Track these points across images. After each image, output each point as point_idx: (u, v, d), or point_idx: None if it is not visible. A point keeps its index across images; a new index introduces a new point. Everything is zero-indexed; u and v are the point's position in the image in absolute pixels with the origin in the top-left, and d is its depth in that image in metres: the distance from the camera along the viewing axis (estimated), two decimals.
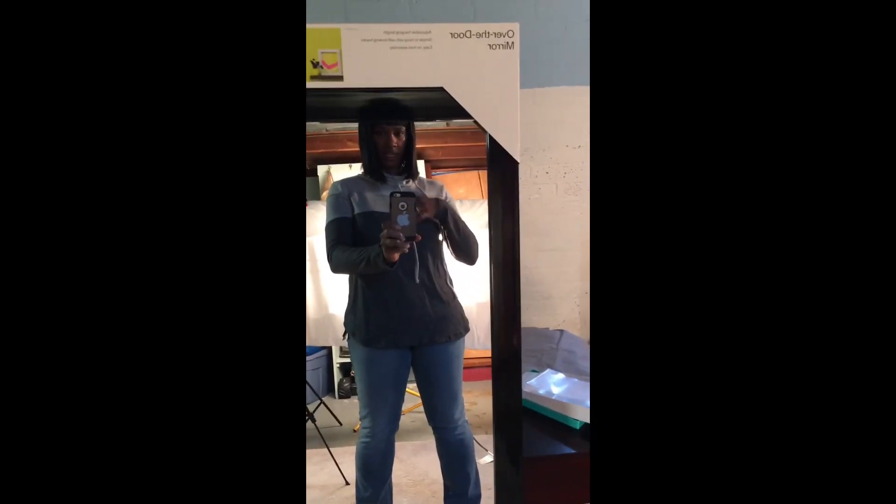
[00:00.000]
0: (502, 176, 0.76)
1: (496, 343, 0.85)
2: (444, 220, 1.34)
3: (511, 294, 0.80)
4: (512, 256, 0.77)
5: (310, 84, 0.71)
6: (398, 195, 1.09)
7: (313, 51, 0.71)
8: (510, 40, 0.73)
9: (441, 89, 0.73)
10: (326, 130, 2.60)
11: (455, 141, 2.69)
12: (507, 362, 0.86)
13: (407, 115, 1.20)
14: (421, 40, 0.71)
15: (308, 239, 2.47)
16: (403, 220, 1.10)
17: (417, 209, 1.21)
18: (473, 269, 1.45)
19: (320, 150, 2.70)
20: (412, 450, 2.20)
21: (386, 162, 1.36)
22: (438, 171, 3.06)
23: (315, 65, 0.71)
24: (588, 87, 1.18)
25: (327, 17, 2.03)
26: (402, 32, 0.70)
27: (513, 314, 0.82)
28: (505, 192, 0.77)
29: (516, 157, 0.74)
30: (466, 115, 0.76)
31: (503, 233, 0.77)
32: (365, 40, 0.71)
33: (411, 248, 1.31)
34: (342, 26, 0.70)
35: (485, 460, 2.04)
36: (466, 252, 1.40)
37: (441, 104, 0.76)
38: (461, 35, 0.72)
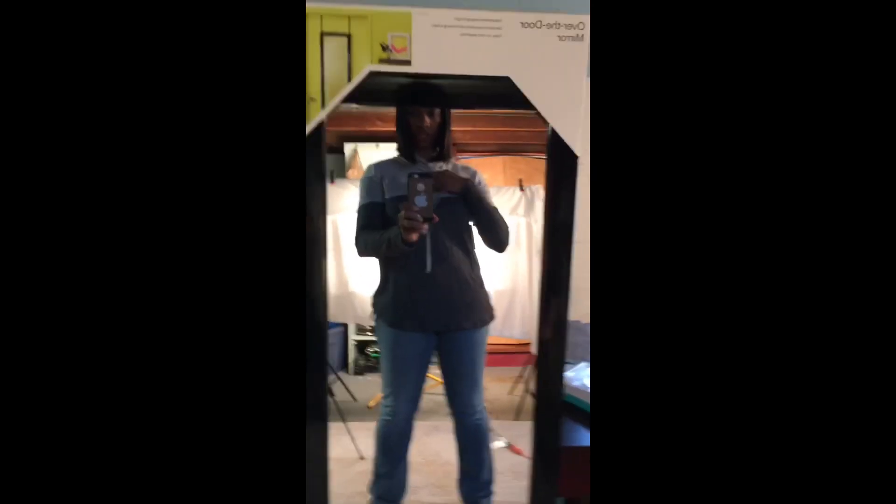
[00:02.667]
0: (561, 168, 0.76)
1: (542, 333, 0.86)
2: (470, 201, 1.33)
3: (562, 287, 0.80)
4: (564, 248, 0.78)
5: (377, 67, 0.71)
6: (416, 176, 1.09)
7: (382, 34, 0.71)
8: (580, 32, 0.72)
9: (506, 78, 0.73)
10: (356, 109, 2.59)
11: (483, 125, 2.67)
12: (551, 353, 0.87)
13: (465, 104, 1.19)
14: (491, 28, 0.70)
15: (331, 217, 2.48)
16: (421, 200, 1.10)
17: (442, 183, 1.22)
18: (492, 256, 1.46)
19: (349, 128, 2.70)
20: (425, 430, 2.23)
21: (419, 143, 1.36)
22: (464, 155, 3.05)
23: (384, 48, 0.70)
24: None
25: None
26: (473, 20, 0.70)
27: (561, 306, 0.82)
28: (562, 186, 0.77)
29: (577, 151, 0.74)
30: (526, 106, 0.76)
31: (557, 224, 0.77)
32: (436, 25, 0.70)
33: (443, 233, 1.31)
34: (414, 10, 0.69)
35: (497, 445, 2.07)
36: (496, 238, 1.39)
37: (500, 92, 0.76)
38: (531, 25, 0.71)
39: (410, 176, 1.10)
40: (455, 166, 1.44)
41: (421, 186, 1.09)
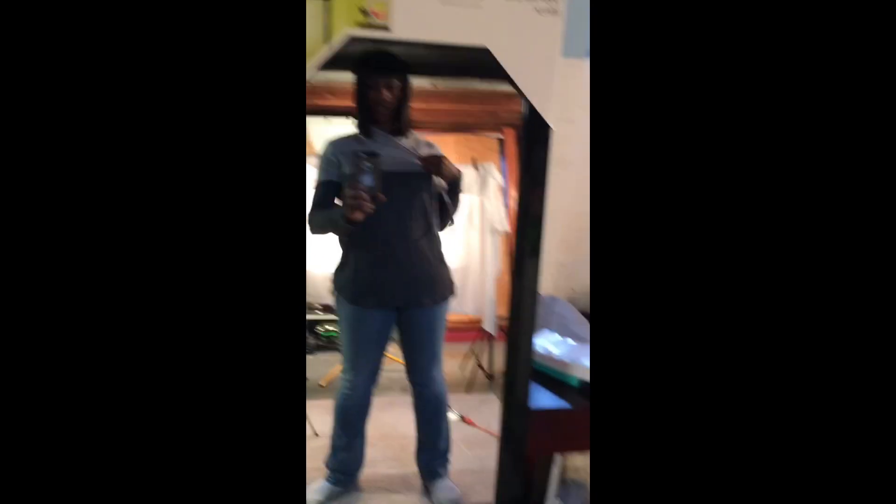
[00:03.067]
0: (535, 142, 0.78)
1: (515, 306, 0.89)
2: (454, 189, 1.35)
3: (534, 262, 0.83)
4: (537, 223, 0.80)
5: (356, 32, 0.69)
6: (363, 154, 1.08)
7: None
8: (556, 6, 0.74)
9: (485, 49, 0.74)
10: (308, 82, 2.50)
11: (437, 103, 2.66)
12: (523, 325, 0.90)
13: (443, 73, 1.19)
14: None
15: None
16: (367, 179, 1.09)
17: (438, 168, 1.21)
18: (445, 234, 1.49)
19: None
20: (380, 405, 2.24)
21: (377, 117, 1.34)
22: (416, 132, 3.02)
23: (364, 13, 0.69)
24: (583, 61, 1.20)
25: None
26: None
27: (533, 281, 0.85)
28: (535, 160, 0.79)
29: (551, 123, 0.76)
30: (501, 77, 0.77)
31: (531, 200, 0.80)
32: None
33: (404, 210, 1.31)
34: None
35: (452, 417, 2.12)
36: (445, 221, 1.45)
37: (476, 63, 0.77)
38: None
39: (356, 154, 1.09)
40: (419, 141, 1.44)
41: (368, 165, 1.07)
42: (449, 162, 1.32)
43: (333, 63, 0.79)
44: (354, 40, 0.72)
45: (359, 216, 1.15)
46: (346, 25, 0.71)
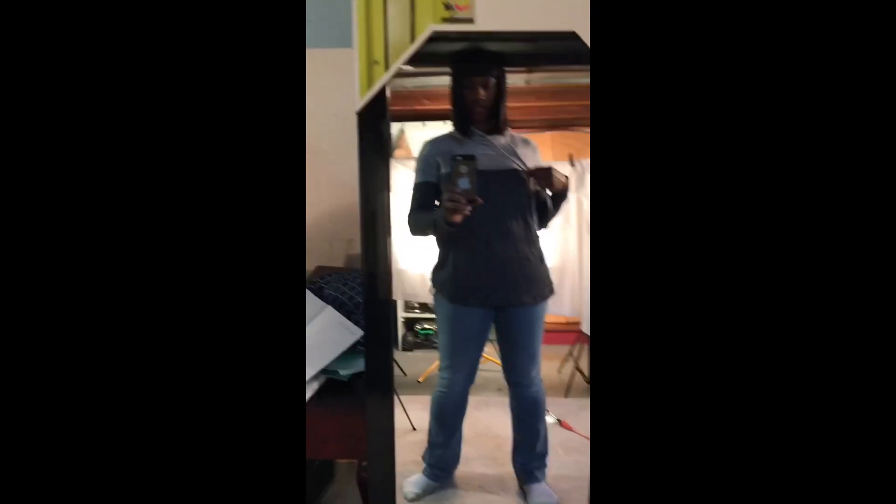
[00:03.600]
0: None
1: None
2: (558, 199, 1.35)
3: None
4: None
5: (440, 27, 0.70)
6: (459, 158, 1.08)
7: None
8: None
9: (572, 34, 0.71)
10: (405, 88, 2.59)
11: (533, 101, 2.62)
12: None
13: (527, 62, 1.17)
14: None
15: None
16: (464, 183, 1.09)
17: (547, 181, 1.22)
18: (541, 233, 1.46)
19: (395, 108, 2.69)
20: (475, 404, 2.24)
21: (473, 115, 1.34)
22: (514, 131, 2.99)
23: (447, 6, 0.69)
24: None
25: None
26: None
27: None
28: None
29: None
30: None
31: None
32: None
33: (503, 210, 1.31)
34: None
35: (549, 420, 2.06)
36: (545, 222, 1.43)
37: (564, 50, 0.74)
38: None
39: (454, 158, 1.10)
40: (514, 138, 1.42)
41: (464, 169, 1.08)
42: (557, 172, 1.31)
43: (430, 60, 0.80)
44: (443, 38, 0.73)
45: (458, 219, 1.16)
46: (429, 21, 0.72)
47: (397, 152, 2.98)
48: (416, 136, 2.98)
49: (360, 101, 0.78)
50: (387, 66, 0.75)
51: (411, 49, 0.74)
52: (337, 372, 1.10)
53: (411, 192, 1.39)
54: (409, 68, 0.77)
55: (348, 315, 1.16)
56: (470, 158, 1.09)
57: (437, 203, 1.35)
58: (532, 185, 1.32)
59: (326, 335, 1.05)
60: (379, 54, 0.74)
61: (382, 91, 0.77)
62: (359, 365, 1.08)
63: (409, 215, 1.37)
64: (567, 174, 2.53)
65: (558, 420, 2.08)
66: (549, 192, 1.36)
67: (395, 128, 2.98)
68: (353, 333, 1.12)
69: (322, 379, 1.12)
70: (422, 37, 0.73)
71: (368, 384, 1.04)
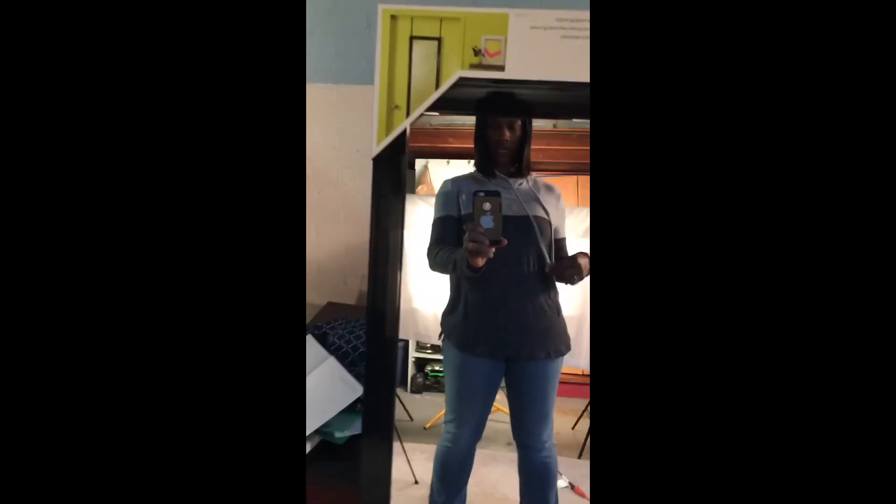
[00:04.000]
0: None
1: None
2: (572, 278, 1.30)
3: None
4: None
5: (468, 73, 0.66)
6: (482, 194, 1.00)
7: (476, 37, 0.66)
8: None
9: None
10: (430, 125, 2.59)
11: (559, 144, 2.59)
12: None
13: (554, 114, 1.13)
14: None
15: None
16: (487, 221, 1.01)
17: (571, 265, 1.17)
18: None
19: (421, 144, 2.69)
20: (483, 459, 2.13)
21: (497, 158, 1.31)
22: (537, 174, 2.97)
23: (476, 52, 0.65)
24: None
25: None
26: (577, 20, 0.63)
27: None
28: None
29: None
30: None
31: None
32: (534, 28, 0.64)
33: (521, 256, 1.25)
34: (511, 11, 0.64)
35: (559, 485, 1.94)
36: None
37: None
38: None
39: (476, 194, 1.02)
40: (538, 183, 1.38)
41: (487, 206, 1.00)
42: (576, 268, 1.26)
43: (454, 105, 0.77)
44: (467, 81, 0.69)
45: (480, 262, 1.09)
46: (457, 66, 0.68)
47: (419, 188, 2.96)
48: (439, 173, 2.96)
49: (377, 148, 0.74)
50: (408, 112, 0.71)
51: (435, 95, 0.70)
52: (332, 433, 1.03)
53: (431, 227, 1.35)
54: (432, 114, 0.73)
55: (351, 367, 1.09)
56: (494, 195, 1.01)
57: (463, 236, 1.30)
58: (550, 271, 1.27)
59: (325, 391, 0.98)
60: (401, 98, 0.70)
61: (401, 135, 0.73)
62: (357, 426, 1.01)
63: (429, 249, 1.33)
64: (590, 219, 2.48)
65: (571, 484, 1.96)
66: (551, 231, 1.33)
67: (419, 164, 2.97)
68: (353, 390, 1.05)
69: (315, 440, 1.05)
70: (448, 82, 0.69)
71: (366, 429, 0.96)
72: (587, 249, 1.36)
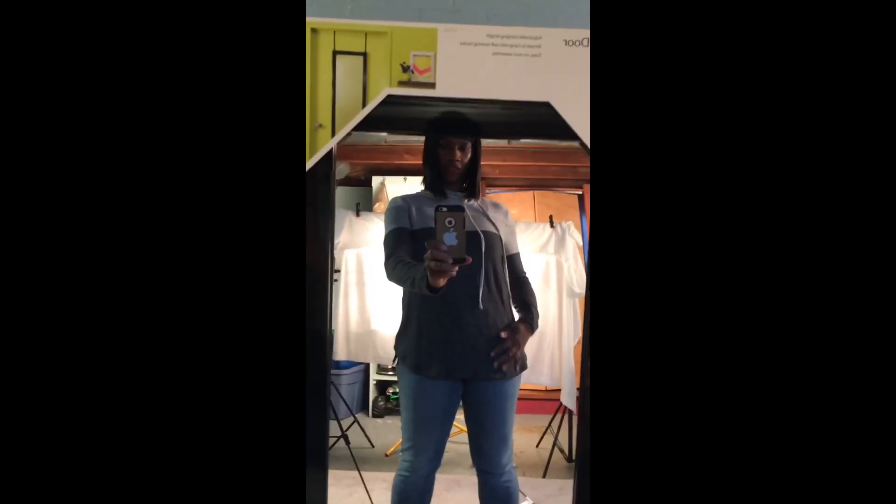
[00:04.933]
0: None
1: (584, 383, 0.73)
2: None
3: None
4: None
5: (397, 91, 0.62)
6: (444, 209, 0.93)
7: (403, 53, 0.62)
8: None
9: (546, 104, 0.64)
10: (385, 142, 2.55)
11: (514, 160, 2.59)
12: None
13: (497, 133, 1.11)
14: (529, 46, 0.61)
15: (356, 251, 2.41)
16: (451, 238, 0.94)
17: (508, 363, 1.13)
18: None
19: (377, 161, 2.66)
20: (445, 484, 2.07)
21: (448, 177, 1.27)
22: (493, 190, 2.97)
23: (405, 69, 0.62)
24: None
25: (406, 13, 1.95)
26: (509, 36, 0.61)
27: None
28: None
29: None
30: (567, 135, 0.66)
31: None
32: (464, 44, 0.62)
33: (474, 274, 1.21)
34: (440, 26, 0.61)
35: None
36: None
37: (536, 120, 0.67)
38: (576, 42, 0.61)
39: (438, 209, 0.94)
40: (485, 202, 1.35)
41: (451, 221, 0.92)
42: (518, 355, 1.29)
43: (382, 124, 0.73)
44: (396, 98, 0.65)
45: (442, 282, 1.01)
46: (385, 83, 0.64)
47: (377, 206, 2.92)
48: (396, 189, 2.94)
49: (307, 165, 0.69)
50: (334, 131, 0.67)
51: (362, 113, 0.66)
52: None
53: (383, 241, 1.30)
54: (381, 135, 0.69)
55: None
56: (457, 210, 0.94)
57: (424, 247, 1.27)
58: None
59: None
60: (325, 117, 0.66)
61: (328, 155, 0.69)
62: None
63: (386, 262, 1.27)
64: (547, 234, 2.47)
65: None
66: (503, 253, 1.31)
67: (375, 181, 2.93)
68: None
69: None
70: (375, 100, 0.65)
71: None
72: (544, 264, 1.34)
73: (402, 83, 0.64)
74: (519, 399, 1.57)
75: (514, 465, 1.38)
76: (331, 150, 0.69)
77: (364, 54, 0.64)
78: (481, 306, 1.24)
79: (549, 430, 2.45)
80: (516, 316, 1.35)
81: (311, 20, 0.60)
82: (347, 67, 0.65)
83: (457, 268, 0.95)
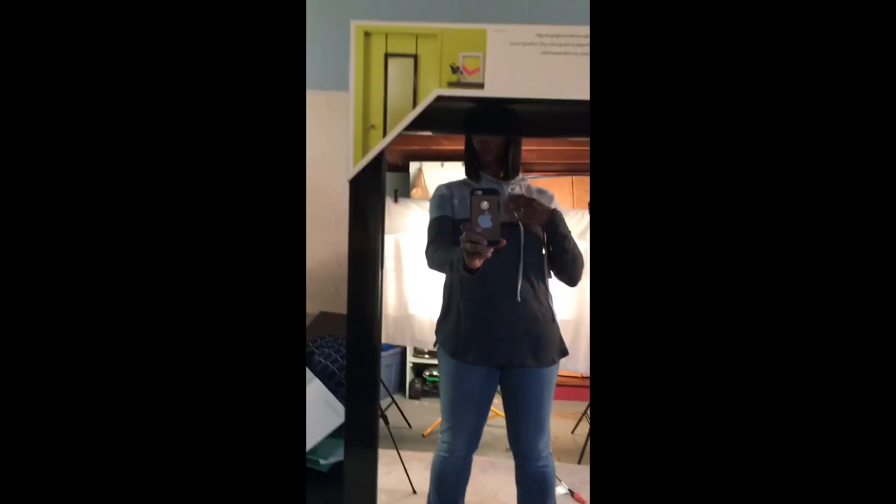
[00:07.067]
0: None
1: None
2: (553, 233, 1.25)
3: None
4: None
5: (446, 91, 0.64)
6: (479, 192, 0.93)
7: (453, 54, 0.64)
8: None
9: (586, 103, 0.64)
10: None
11: (551, 144, 2.56)
12: None
13: (539, 132, 1.10)
14: (578, 45, 0.61)
15: (394, 236, 2.45)
16: (485, 221, 0.94)
17: (524, 213, 1.11)
18: (557, 283, 1.36)
19: (414, 147, 2.67)
20: (482, 466, 2.12)
21: (483, 161, 1.29)
22: (530, 175, 2.94)
23: (454, 70, 0.63)
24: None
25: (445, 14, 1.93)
26: (558, 35, 0.61)
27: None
28: None
29: None
30: None
31: None
32: (513, 44, 0.62)
33: (513, 260, 1.23)
34: (489, 27, 0.62)
35: (558, 492, 1.92)
36: (570, 273, 1.31)
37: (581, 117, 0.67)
38: None
39: (473, 193, 0.95)
40: (529, 188, 1.36)
41: (485, 205, 0.93)
42: (539, 205, 1.25)
43: (432, 124, 0.75)
44: (446, 99, 0.66)
45: (477, 263, 1.04)
46: (435, 85, 0.66)
47: (414, 191, 2.95)
48: (433, 175, 2.95)
49: (353, 170, 0.72)
50: (385, 132, 0.69)
51: (413, 114, 0.68)
52: (316, 461, 0.99)
53: (427, 228, 1.33)
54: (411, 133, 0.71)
55: (337, 387, 1.07)
56: (492, 193, 0.94)
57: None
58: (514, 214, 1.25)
59: (309, 415, 0.95)
60: (377, 118, 0.68)
61: (379, 156, 0.71)
62: (342, 452, 0.98)
63: (427, 248, 1.30)
64: (586, 221, 2.45)
65: (570, 491, 1.95)
66: (544, 235, 1.27)
67: (413, 167, 2.95)
68: (339, 415, 1.02)
69: None
70: (425, 101, 0.67)
71: (348, 441, 0.93)
72: (581, 251, 1.34)
73: (451, 84, 0.65)
74: (561, 385, 1.59)
75: (550, 451, 1.41)
76: (382, 151, 0.71)
77: (415, 56, 0.65)
78: (519, 298, 1.26)
79: (584, 417, 2.47)
80: (555, 311, 1.36)
81: (362, 23, 0.63)
82: (399, 69, 0.66)
83: (492, 249, 0.97)
